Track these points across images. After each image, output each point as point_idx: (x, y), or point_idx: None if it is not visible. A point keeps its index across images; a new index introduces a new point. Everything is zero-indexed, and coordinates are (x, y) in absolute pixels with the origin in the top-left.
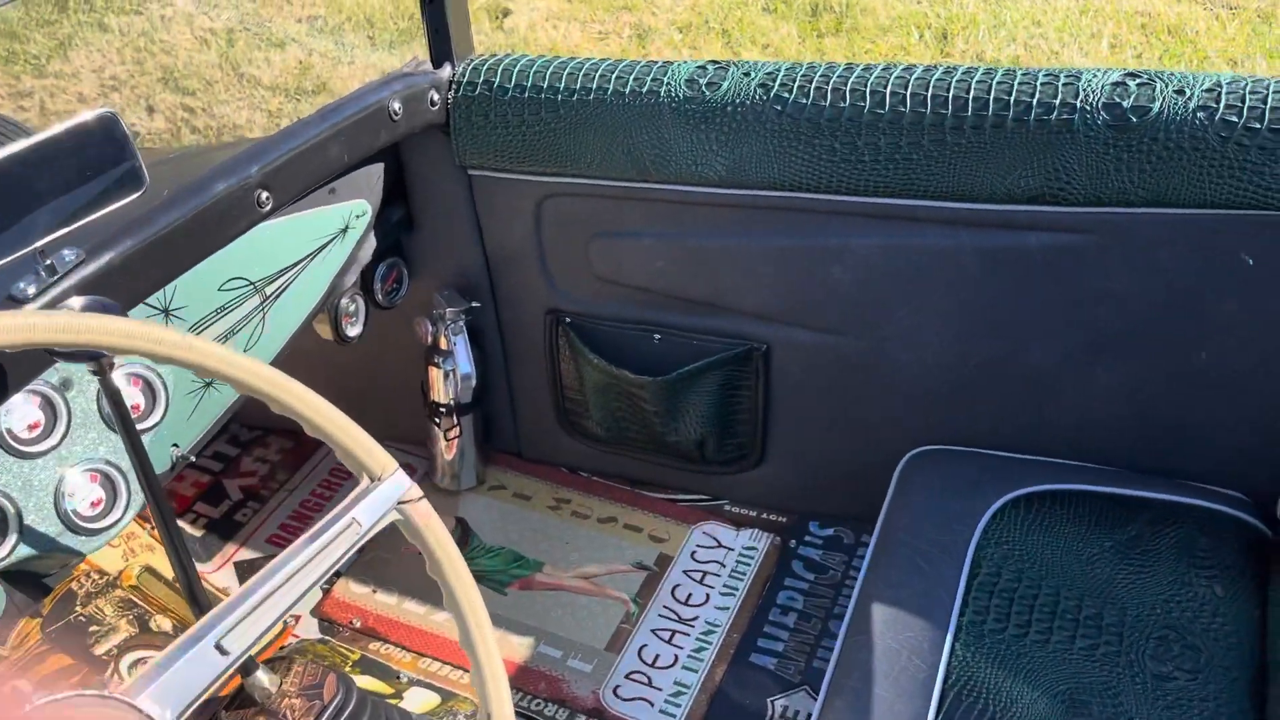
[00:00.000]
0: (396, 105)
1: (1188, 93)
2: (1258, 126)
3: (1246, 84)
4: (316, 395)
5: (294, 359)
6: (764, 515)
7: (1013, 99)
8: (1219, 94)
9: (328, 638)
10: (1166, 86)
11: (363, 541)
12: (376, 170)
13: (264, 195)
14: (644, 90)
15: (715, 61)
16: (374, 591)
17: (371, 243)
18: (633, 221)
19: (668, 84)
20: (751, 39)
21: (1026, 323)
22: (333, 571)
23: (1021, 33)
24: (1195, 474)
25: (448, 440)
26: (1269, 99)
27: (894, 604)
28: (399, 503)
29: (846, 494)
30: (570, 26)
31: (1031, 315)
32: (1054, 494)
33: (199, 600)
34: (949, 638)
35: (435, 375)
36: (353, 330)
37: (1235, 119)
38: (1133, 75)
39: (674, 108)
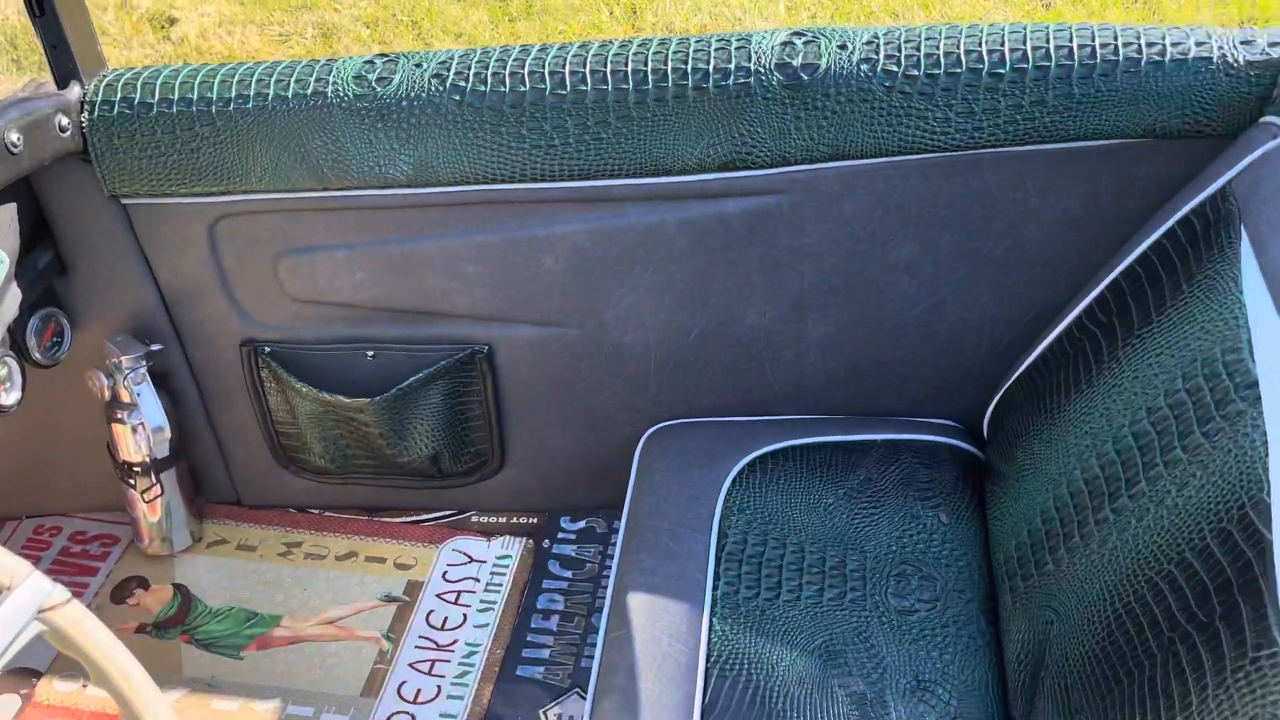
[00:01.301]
0: (14, 136)
1: (850, 47)
2: (916, 74)
3: (901, 34)
4: None
5: None
6: (514, 520)
7: (690, 68)
8: (877, 45)
9: None
10: (830, 42)
11: None
12: (6, 212)
13: None
14: (309, 92)
15: (384, 55)
16: (84, 686)
17: (15, 295)
18: (321, 235)
19: (334, 83)
20: (443, 28)
21: (736, 288)
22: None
23: (706, 2)
24: (909, 410)
25: (148, 501)
26: (921, 46)
27: (649, 590)
28: (40, 611)
29: (593, 483)
30: (247, 31)
31: (740, 280)
32: (785, 451)
33: None
34: (706, 615)
35: (121, 432)
36: (9, 398)
37: (895, 68)
38: (799, 34)
39: (345, 108)
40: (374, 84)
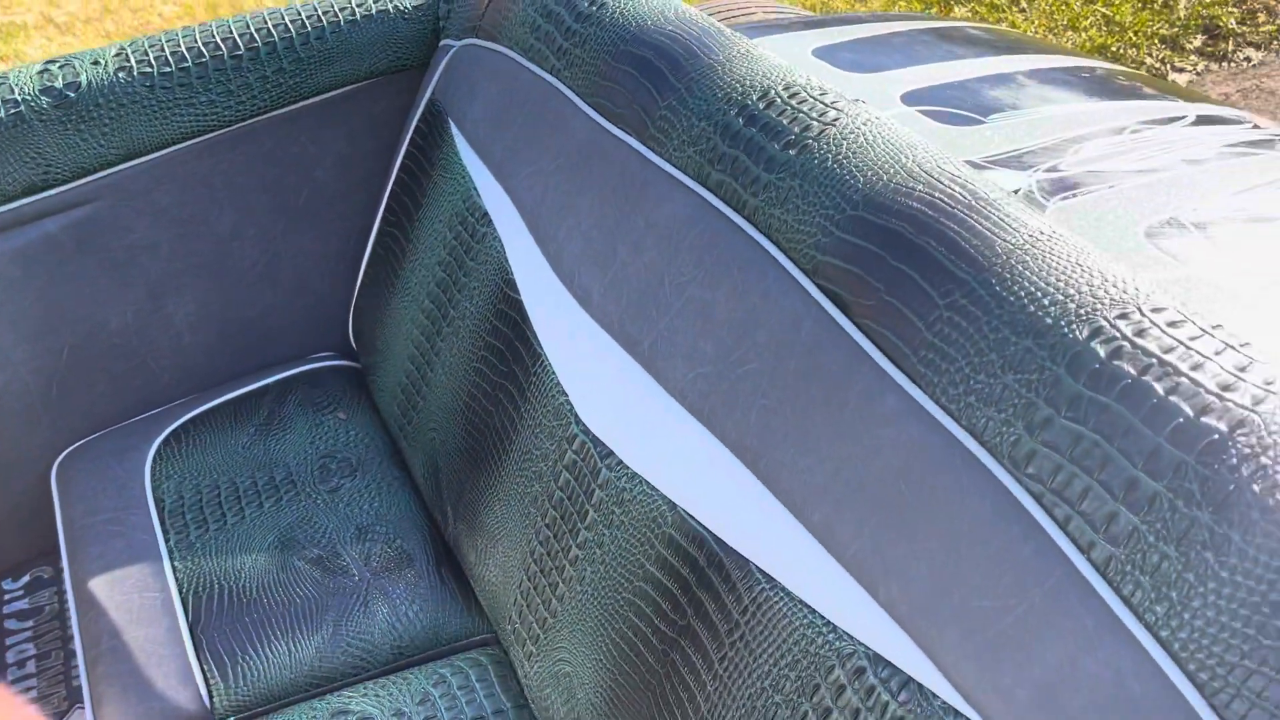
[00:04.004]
0: None
1: (102, 62)
2: (169, 70)
3: (145, 42)
4: None
5: None
6: None
7: None
8: (127, 55)
9: None
10: (84, 61)
11: None
12: None
13: None
14: None
15: None
16: None
17: None
18: None
19: None
20: None
21: (89, 297)
22: None
23: None
24: (292, 355)
25: None
26: (165, 48)
27: (106, 570)
28: None
29: (23, 533)
30: None
31: (89, 289)
32: (192, 420)
33: None
34: (167, 563)
35: None
36: None
37: (150, 69)
38: (52, 62)
39: None
40: None
